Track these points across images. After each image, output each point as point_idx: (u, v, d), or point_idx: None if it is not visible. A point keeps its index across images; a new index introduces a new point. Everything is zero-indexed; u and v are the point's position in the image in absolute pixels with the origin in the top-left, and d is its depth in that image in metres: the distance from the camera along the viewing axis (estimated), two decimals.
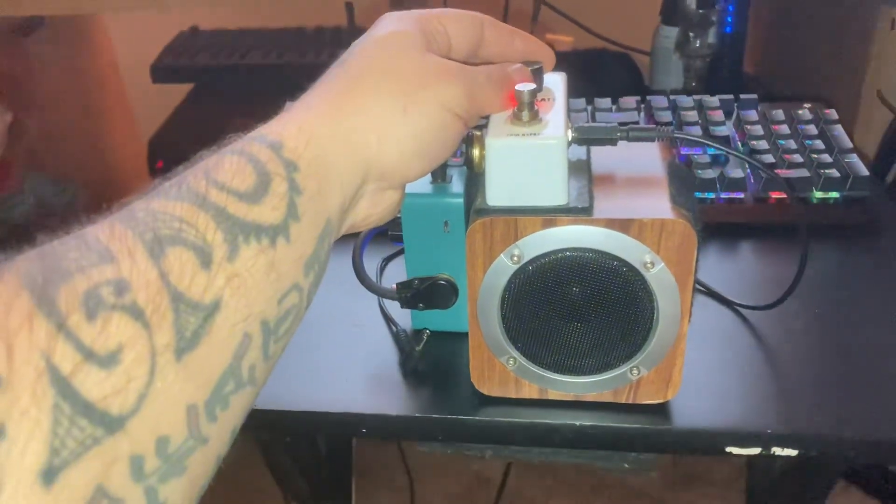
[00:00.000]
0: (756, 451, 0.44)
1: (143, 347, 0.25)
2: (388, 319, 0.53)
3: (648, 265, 0.41)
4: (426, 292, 0.49)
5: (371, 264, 0.56)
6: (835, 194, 0.59)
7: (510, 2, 1.15)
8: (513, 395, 0.47)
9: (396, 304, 0.51)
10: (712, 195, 0.60)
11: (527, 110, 0.40)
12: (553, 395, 0.46)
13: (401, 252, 0.50)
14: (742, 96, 0.69)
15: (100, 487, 0.23)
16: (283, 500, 0.81)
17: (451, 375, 0.49)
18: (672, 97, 0.69)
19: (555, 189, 0.41)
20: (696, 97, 0.69)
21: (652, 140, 0.43)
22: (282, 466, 0.70)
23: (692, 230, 0.40)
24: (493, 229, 0.41)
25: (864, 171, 0.59)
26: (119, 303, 0.25)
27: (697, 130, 0.65)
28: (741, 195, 0.60)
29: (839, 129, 0.64)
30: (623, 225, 0.40)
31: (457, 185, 0.48)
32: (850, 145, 0.62)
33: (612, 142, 0.43)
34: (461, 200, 0.47)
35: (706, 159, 0.62)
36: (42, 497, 0.22)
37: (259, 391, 0.31)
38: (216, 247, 0.28)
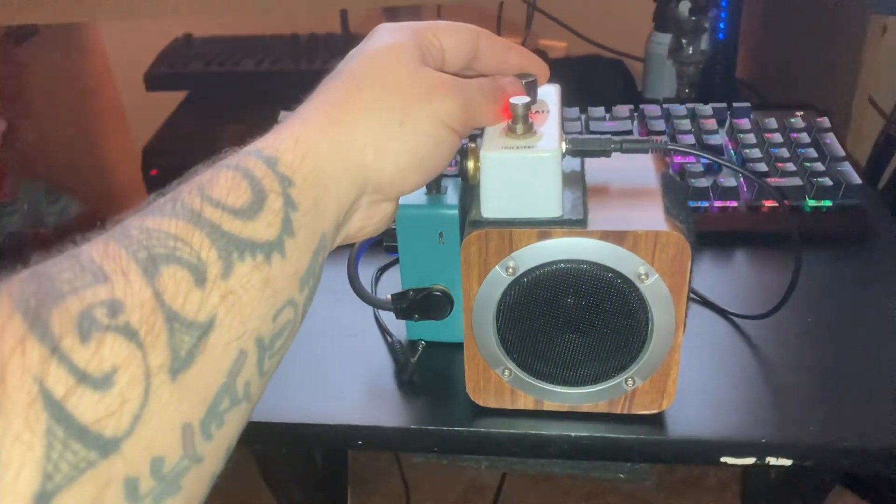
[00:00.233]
0: (750, 460, 0.44)
1: (138, 368, 0.25)
2: (384, 330, 0.53)
3: (643, 277, 0.41)
4: (421, 303, 0.49)
5: (366, 274, 0.56)
6: (827, 202, 0.60)
7: (503, 8, 1.15)
8: (508, 406, 0.47)
9: (391, 314, 0.51)
10: (706, 204, 0.60)
11: (521, 123, 0.41)
12: (548, 406, 0.46)
13: (396, 262, 0.50)
14: (735, 104, 0.69)
15: None
16: None
17: (447, 386, 0.49)
18: (665, 106, 0.69)
19: (549, 201, 0.41)
20: (690, 105, 0.69)
21: (646, 151, 0.43)
22: (277, 476, 0.70)
23: (686, 242, 0.40)
24: (487, 241, 0.42)
25: (857, 180, 0.59)
26: (113, 324, 0.25)
27: (691, 139, 0.65)
28: (734, 204, 0.60)
29: (831, 137, 0.64)
30: (617, 237, 0.41)
31: (451, 196, 0.48)
32: (843, 153, 0.62)
33: (606, 153, 0.43)
34: (456, 212, 0.48)
35: (699, 168, 0.62)
36: None
37: (254, 407, 0.31)
38: (210, 264, 0.28)
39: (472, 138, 0.42)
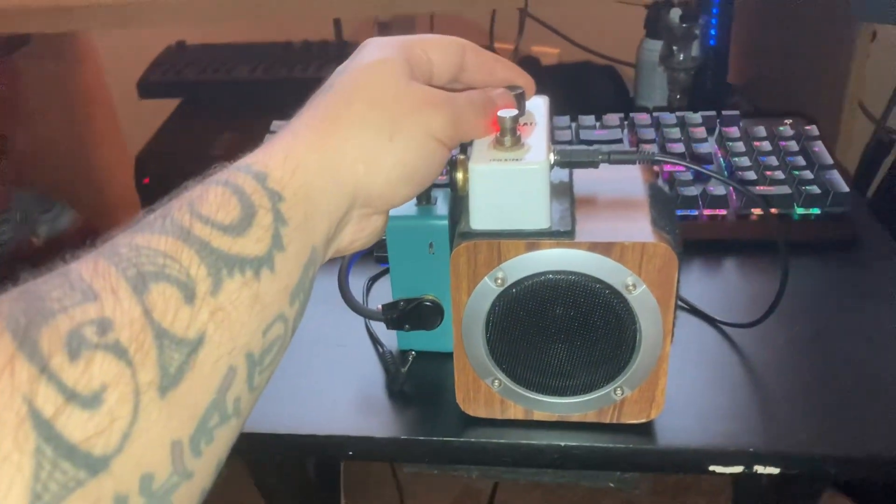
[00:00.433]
0: (739, 469, 0.45)
1: (127, 386, 0.25)
2: (374, 340, 0.53)
3: (630, 287, 0.41)
4: (412, 313, 0.49)
5: (357, 284, 0.57)
6: (816, 210, 0.60)
7: (496, 14, 1.16)
8: (498, 416, 0.47)
9: (383, 324, 0.51)
10: (695, 212, 0.61)
11: (509, 135, 0.41)
12: (538, 415, 0.47)
13: (386, 271, 0.50)
14: (724, 112, 0.70)
15: None
16: None
17: (437, 396, 0.49)
18: (655, 114, 0.70)
19: (537, 213, 0.41)
20: (679, 114, 0.69)
21: (633, 163, 0.44)
22: (270, 486, 0.70)
23: (673, 253, 0.40)
24: (476, 253, 0.42)
25: (845, 188, 0.60)
26: (102, 342, 0.25)
27: (680, 147, 0.66)
28: (724, 212, 0.61)
29: (820, 145, 0.65)
30: (605, 248, 0.41)
31: (441, 206, 0.48)
32: (831, 161, 0.63)
33: (594, 164, 0.43)
34: (446, 222, 0.48)
35: (688, 176, 0.62)
36: None
37: (244, 422, 0.31)
38: (200, 281, 0.28)
39: (463, 149, 0.42)
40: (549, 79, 1.13)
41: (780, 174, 0.62)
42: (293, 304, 0.32)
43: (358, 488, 1.10)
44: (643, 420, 0.46)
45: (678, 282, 0.42)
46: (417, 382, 0.50)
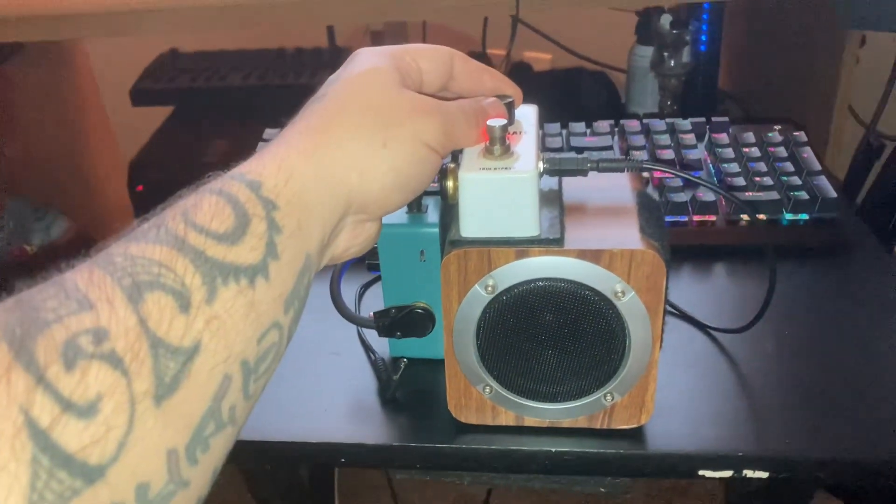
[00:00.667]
0: (728, 473, 0.45)
1: (123, 395, 0.25)
2: (367, 347, 0.54)
3: (619, 294, 0.42)
4: (403, 321, 0.50)
5: (349, 291, 0.57)
6: (804, 216, 0.61)
7: (488, 21, 1.16)
8: (490, 422, 0.47)
9: (375, 332, 0.51)
10: (685, 218, 0.61)
11: (498, 144, 0.41)
12: (529, 421, 0.47)
13: (379, 279, 0.51)
14: (714, 119, 0.70)
15: None
16: None
17: (429, 403, 0.49)
18: (645, 121, 0.70)
19: (527, 221, 0.42)
20: (669, 121, 0.70)
21: (622, 171, 0.44)
22: (264, 493, 0.70)
23: (661, 260, 0.41)
24: (466, 260, 0.42)
25: (832, 193, 0.60)
26: (98, 351, 0.25)
27: (670, 154, 0.66)
28: (713, 218, 0.61)
29: (808, 151, 0.65)
30: (594, 255, 0.41)
31: (432, 214, 0.49)
32: (819, 167, 0.63)
33: (583, 172, 0.43)
34: (436, 230, 0.48)
35: (678, 183, 0.63)
36: None
37: (240, 430, 0.31)
38: (195, 290, 0.28)
39: (454, 158, 0.43)
40: (541, 85, 1.13)
41: (768, 180, 0.62)
42: (288, 312, 0.33)
43: (352, 495, 1.10)
44: (633, 425, 0.46)
45: (667, 288, 0.42)
46: (409, 389, 0.51)
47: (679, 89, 1.00)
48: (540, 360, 0.45)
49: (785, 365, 0.51)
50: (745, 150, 0.66)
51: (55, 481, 0.23)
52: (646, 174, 0.63)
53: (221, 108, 1.11)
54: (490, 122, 0.41)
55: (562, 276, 0.42)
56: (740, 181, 0.62)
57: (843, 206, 0.63)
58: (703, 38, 1.03)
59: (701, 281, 0.59)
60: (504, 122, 0.41)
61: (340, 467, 0.57)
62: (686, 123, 0.70)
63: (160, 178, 0.99)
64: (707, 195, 0.61)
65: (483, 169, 0.41)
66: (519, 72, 1.11)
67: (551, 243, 0.42)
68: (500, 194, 0.41)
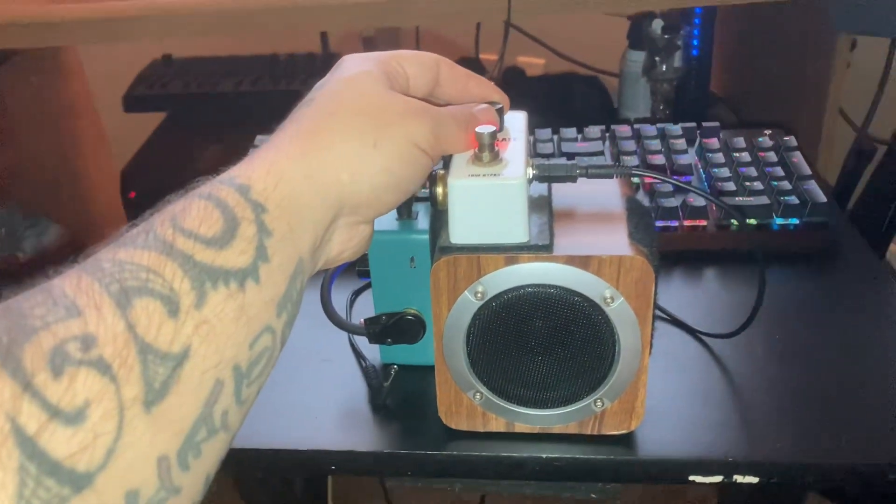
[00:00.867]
0: (718, 479, 0.45)
1: (111, 402, 0.25)
2: (358, 354, 0.54)
3: (608, 300, 0.42)
4: (394, 327, 0.50)
5: (341, 298, 0.57)
6: (794, 220, 0.61)
7: (481, 26, 1.16)
8: (480, 428, 0.47)
9: (366, 338, 0.51)
10: (675, 223, 0.61)
11: (487, 151, 0.41)
12: (520, 428, 0.47)
13: (370, 285, 0.51)
14: (704, 124, 0.71)
15: None
16: None
17: (420, 410, 0.49)
18: (636, 126, 0.70)
19: (516, 227, 0.42)
20: (660, 126, 0.70)
21: (611, 177, 0.44)
22: (257, 500, 0.70)
23: (650, 266, 0.41)
24: (456, 267, 0.42)
25: (822, 198, 0.60)
26: (86, 358, 0.25)
27: (661, 159, 0.66)
28: (704, 223, 0.61)
29: (798, 156, 0.65)
30: (582, 261, 0.41)
31: (422, 221, 0.49)
32: (809, 172, 0.63)
33: (573, 179, 0.44)
34: (426, 237, 0.48)
35: (668, 188, 0.63)
36: None
37: (234, 436, 0.31)
38: (183, 295, 0.28)
39: (446, 164, 0.43)
40: (534, 89, 1.13)
41: (758, 185, 0.62)
42: (281, 316, 0.32)
43: (346, 502, 1.10)
44: (624, 431, 0.46)
45: (655, 294, 0.42)
46: (400, 396, 0.50)
47: (671, 94, 1.00)
48: (530, 366, 0.45)
49: (775, 370, 0.51)
50: (736, 154, 0.66)
51: (42, 489, 0.23)
52: (636, 179, 0.63)
53: (215, 115, 1.11)
54: (479, 129, 0.41)
55: (551, 283, 0.42)
56: (730, 186, 0.63)
57: (834, 210, 0.63)
58: (695, 42, 1.03)
59: (691, 286, 0.59)
60: (493, 128, 0.41)
61: (332, 475, 0.57)
62: (677, 128, 0.70)
63: (153, 184, 0.99)
64: (697, 200, 0.61)
65: (472, 175, 0.41)
66: (512, 76, 1.12)
67: (540, 249, 0.42)
68: (489, 201, 0.41)
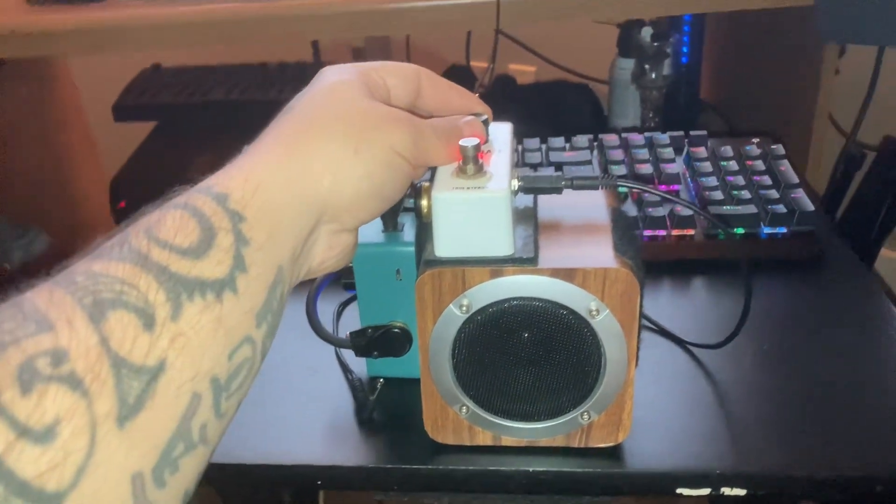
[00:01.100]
0: (706, 491, 0.45)
1: (82, 418, 0.25)
2: (344, 367, 0.53)
3: (594, 312, 0.42)
4: (380, 340, 0.49)
5: (327, 310, 0.57)
6: (782, 229, 0.61)
7: (471, 35, 1.16)
8: (467, 442, 0.47)
9: (352, 351, 0.51)
10: (663, 233, 0.61)
11: (471, 164, 0.41)
12: (507, 441, 0.47)
13: (356, 298, 0.50)
14: (692, 133, 0.71)
15: None
16: None
17: (406, 424, 0.49)
18: (623, 135, 0.70)
19: (500, 240, 0.41)
20: (648, 135, 0.70)
21: (596, 188, 0.44)
22: None
23: (635, 278, 0.41)
24: (441, 280, 0.42)
25: (810, 207, 0.60)
26: (56, 374, 0.24)
27: (649, 168, 0.66)
28: (691, 232, 0.61)
29: (786, 164, 0.65)
30: (567, 274, 0.41)
31: (408, 233, 0.49)
32: (797, 180, 0.63)
33: (558, 190, 0.43)
34: (412, 249, 0.48)
35: (656, 198, 0.63)
36: None
37: (213, 450, 0.30)
38: (159, 307, 0.28)
39: (432, 176, 0.42)
40: (525, 97, 1.13)
41: (746, 194, 0.62)
42: (260, 326, 0.32)
43: None
44: (611, 444, 0.46)
45: (641, 306, 0.42)
46: (386, 410, 0.50)
47: (660, 101, 1.00)
48: (516, 379, 0.44)
49: (763, 380, 0.51)
50: (724, 163, 0.66)
51: None
52: (623, 189, 0.63)
53: (204, 124, 1.10)
54: (463, 142, 0.41)
55: (536, 295, 0.42)
56: (718, 195, 0.62)
57: (821, 219, 0.63)
58: (685, 49, 1.03)
59: (679, 296, 0.59)
60: (477, 141, 0.41)
61: (317, 489, 0.57)
62: (664, 137, 0.70)
63: (143, 194, 0.98)
64: (685, 209, 0.61)
65: (456, 188, 0.41)
66: (503, 84, 1.12)
67: (525, 262, 0.41)
68: (474, 214, 0.41)
